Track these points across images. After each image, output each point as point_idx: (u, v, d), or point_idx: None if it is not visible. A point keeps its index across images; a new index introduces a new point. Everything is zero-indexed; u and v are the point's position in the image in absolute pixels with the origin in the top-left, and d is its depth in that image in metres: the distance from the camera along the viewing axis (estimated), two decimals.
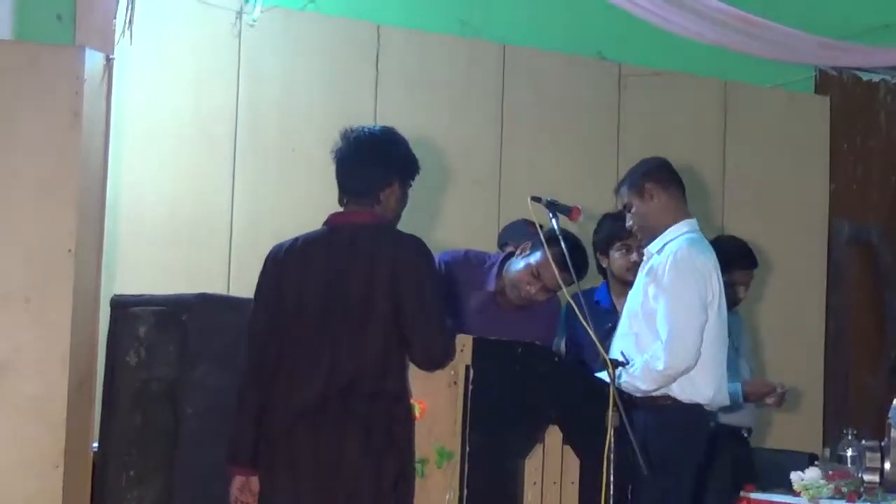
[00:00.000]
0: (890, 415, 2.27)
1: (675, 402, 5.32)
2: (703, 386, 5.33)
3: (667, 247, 5.40)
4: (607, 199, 5.88)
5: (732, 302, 6.17)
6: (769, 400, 6.32)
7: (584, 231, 5.97)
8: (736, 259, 6.31)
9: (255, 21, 6.81)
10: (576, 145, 7.67)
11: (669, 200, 5.47)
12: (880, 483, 2.19)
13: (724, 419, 6.20)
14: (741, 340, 6.46)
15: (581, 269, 5.17)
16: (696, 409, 5.37)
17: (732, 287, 6.17)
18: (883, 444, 2.25)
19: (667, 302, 5.28)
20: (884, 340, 8.72)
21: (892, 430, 2.24)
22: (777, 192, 8.22)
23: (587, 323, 4.82)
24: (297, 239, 4.53)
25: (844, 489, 5.27)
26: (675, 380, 5.26)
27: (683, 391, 5.31)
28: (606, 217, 5.98)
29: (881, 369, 8.64)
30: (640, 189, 5.46)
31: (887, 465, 2.26)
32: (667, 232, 5.43)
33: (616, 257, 5.95)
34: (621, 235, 5.84)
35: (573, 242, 5.16)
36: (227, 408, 4.54)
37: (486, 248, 6.03)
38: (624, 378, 5.22)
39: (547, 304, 5.56)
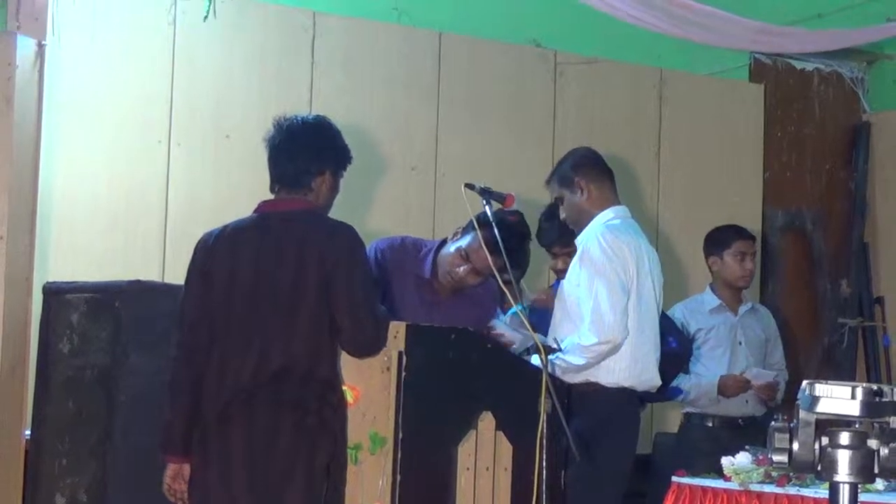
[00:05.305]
0: (798, 396, 2.29)
1: (600, 388, 5.35)
2: (625, 369, 5.36)
3: (588, 235, 5.45)
4: (542, 186, 5.89)
5: (742, 275, 6.58)
6: (762, 394, 6.53)
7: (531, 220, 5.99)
8: (730, 232, 6.68)
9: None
10: (511, 133, 7.67)
11: (598, 191, 5.51)
12: (789, 464, 2.21)
13: (721, 409, 6.51)
14: (744, 336, 6.68)
15: (513, 253, 5.17)
16: (622, 392, 5.40)
17: (738, 259, 6.57)
18: (792, 425, 2.27)
19: (588, 284, 5.32)
20: (817, 326, 8.80)
21: (801, 411, 2.26)
22: (711, 180, 8.27)
23: (522, 312, 4.84)
24: (226, 226, 4.51)
25: (774, 473, 5.34)
26: (604, 356, 5.27)
27: (606, 376, 5.34)
28: (541, 219, 6.04)
29: (815, 355, 8.72)
30: (570, 182, 5.51)
31: (795, 446, 2.28)
32: (593, 221, 5.48)
33: (550, 258, 6.05)
34: (546, 242, 5.93)
35: (509, 225, 5.17)
36: (160, 395, 4.53)
37: (421, 236, 6.03)
38: (556, 358, 5.25)
39: (483, 291, 5.56)
